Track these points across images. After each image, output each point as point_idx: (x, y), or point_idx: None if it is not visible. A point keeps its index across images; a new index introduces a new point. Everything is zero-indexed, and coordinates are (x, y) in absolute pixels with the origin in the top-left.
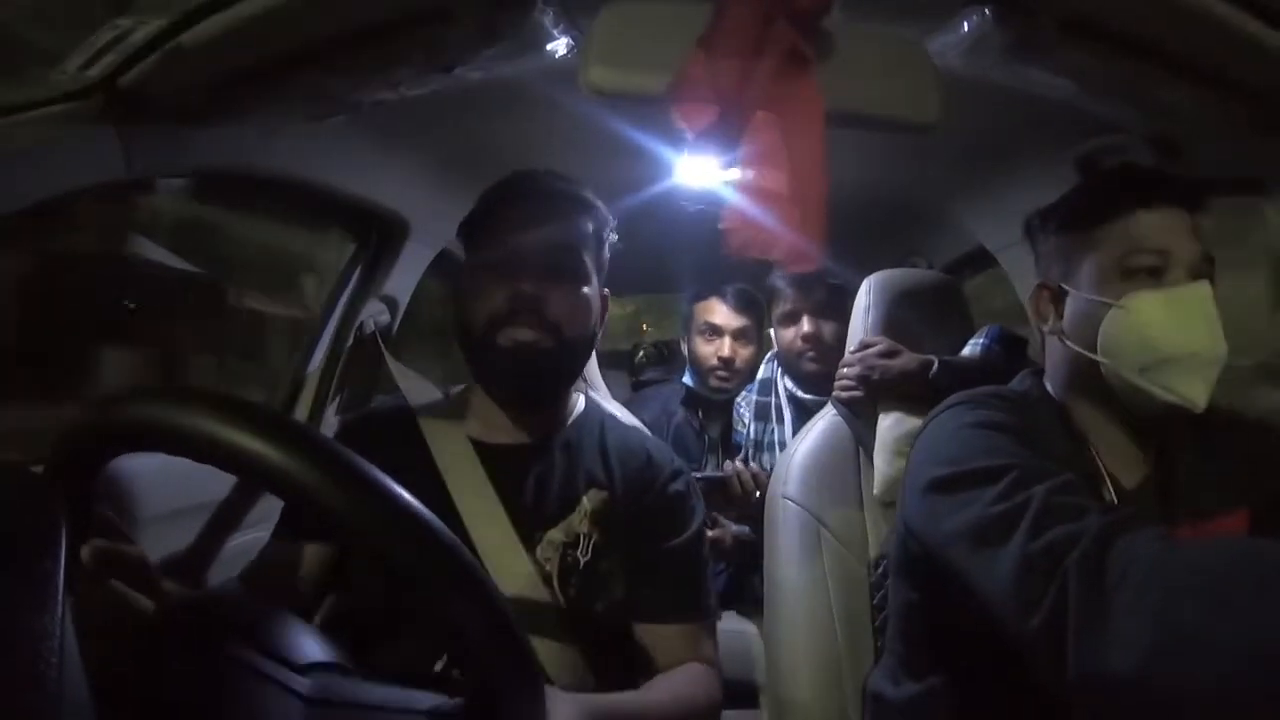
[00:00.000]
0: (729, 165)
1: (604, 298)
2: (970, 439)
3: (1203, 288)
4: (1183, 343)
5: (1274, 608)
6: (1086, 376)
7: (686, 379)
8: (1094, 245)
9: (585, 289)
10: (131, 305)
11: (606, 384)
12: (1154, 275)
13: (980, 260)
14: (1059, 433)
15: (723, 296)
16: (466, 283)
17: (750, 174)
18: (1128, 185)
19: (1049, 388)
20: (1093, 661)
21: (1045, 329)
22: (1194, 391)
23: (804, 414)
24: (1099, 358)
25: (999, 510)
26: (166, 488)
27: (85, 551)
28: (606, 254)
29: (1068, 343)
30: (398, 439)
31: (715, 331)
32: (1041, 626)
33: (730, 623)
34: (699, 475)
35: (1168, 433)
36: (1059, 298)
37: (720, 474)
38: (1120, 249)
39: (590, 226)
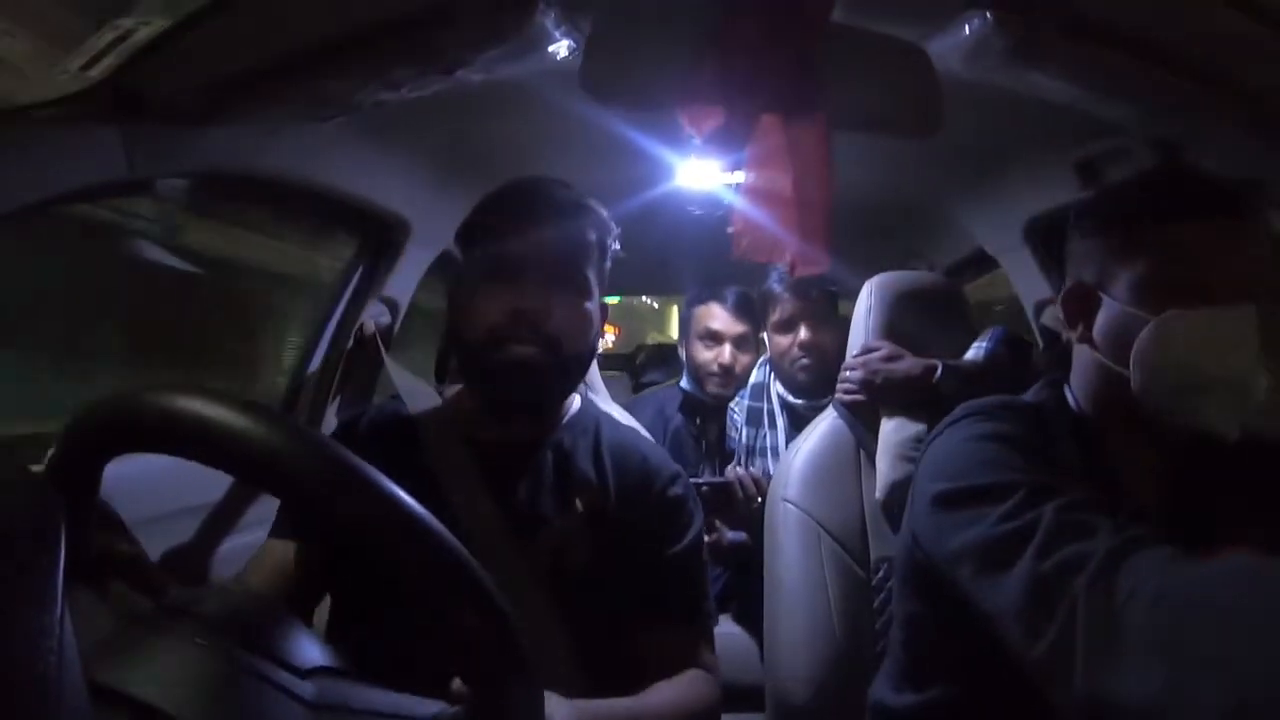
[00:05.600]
0: (733, 169)
1: (604, 308)
2: (978, 453)
3: (1248, 313)
4: (1221, 369)
5: None
6: (1114, 389)
7: (684, 384)
8: (1135, 251)
9: (587, 303)
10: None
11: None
12: (1199, 292)
13: (981, 263)
14: (1074, 447)
15: (723, 301)
16: (464, 290)
17: (755, 177)
18: (1178, 189)
19: (1069, 398)
20: (1102, 689)
21: (1074, 335)
22: (1227, 421)
23: (796, 419)
24: (1129, 372)
25: (1006, 529)
26: (158, 491)
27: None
28: (608, 263)
29: (1096, 354)
30: (393, 440)
31: (715, 338)
32: (1049, 651)
33: (727, 626)
34: (701, 481)
35: (1195, 449)
36: (1092, 303)
37: (722, 480)
38: (1164, 260)
39: (593, 236)
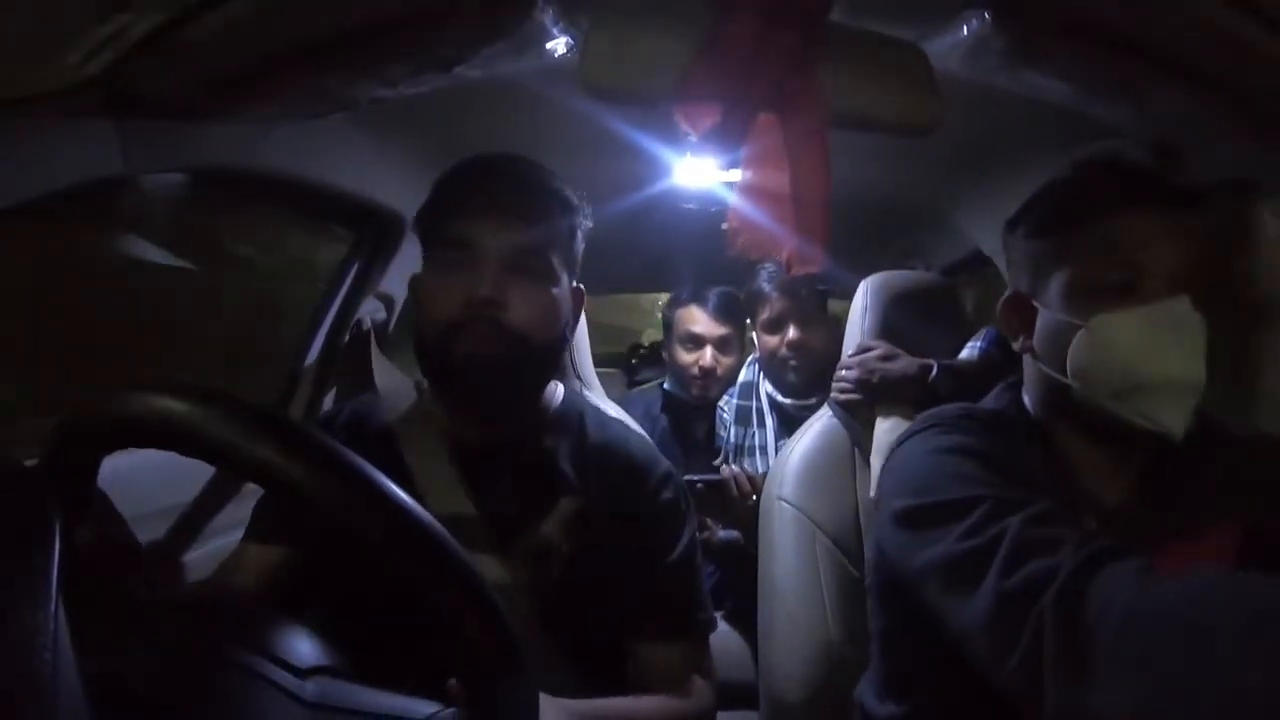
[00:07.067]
0: (730, 166)
1: (578, 294)
2: (939, 466)
3: (1180, 305)
4: (1157, 368)
5: (1263, 651)
6: (1060, 396)
7: (667, 384)
8: (1063, 255)
9: (553, 289)
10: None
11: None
12: (1127, 292)
13: (978, 263)
14: (1035, 453)
15: (703, 304)
16: (421, 283)
17: (752, 175)
18: (1099, 183)
19: (1026, 403)
20: (1074, 705)
21: (1015, 345)
22: (1171, 419)
23: (785, 419)
24: (1069, 380)
25: (970, 546)
26: (158, 486)
27: (80, 536)
28: (580, 246)
29: (1038, 363)
30: (370, 438)
31: (696, 341)
32: (1018, 668)
33: (720, 625)
34: (695, 478)
35: (1153, 448)
36: (1028, 312)
37: (717, 477)
38: (1089, 261)
39: (558, 217)
